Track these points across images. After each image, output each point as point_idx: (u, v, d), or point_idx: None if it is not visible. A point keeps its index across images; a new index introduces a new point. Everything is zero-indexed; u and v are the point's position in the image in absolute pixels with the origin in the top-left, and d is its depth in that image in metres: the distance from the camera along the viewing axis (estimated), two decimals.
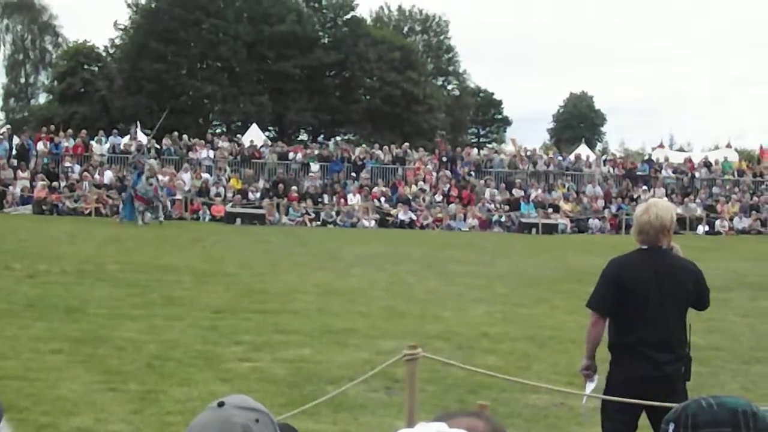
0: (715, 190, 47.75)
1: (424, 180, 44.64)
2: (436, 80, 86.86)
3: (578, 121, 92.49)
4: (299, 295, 17.18)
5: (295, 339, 12.71)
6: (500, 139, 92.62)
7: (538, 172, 47.46)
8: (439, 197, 43.51)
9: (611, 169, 49.06)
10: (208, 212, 38.97)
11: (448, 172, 45.47)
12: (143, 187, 33.55)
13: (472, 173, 46.08)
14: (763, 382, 11.18)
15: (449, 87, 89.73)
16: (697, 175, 48.99)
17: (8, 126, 56.66)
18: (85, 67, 71.30)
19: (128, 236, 27.80)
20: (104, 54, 74.02)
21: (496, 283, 20.27)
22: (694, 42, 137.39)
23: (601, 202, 44.83)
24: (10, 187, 38.48)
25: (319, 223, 39.67)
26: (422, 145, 51.14)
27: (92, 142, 43.83)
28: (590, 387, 6.92)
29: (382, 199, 42.52)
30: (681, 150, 72.72)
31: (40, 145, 42.03)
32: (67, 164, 41.06)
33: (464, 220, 41.34)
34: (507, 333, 13.80)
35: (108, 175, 40.77)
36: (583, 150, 54.53)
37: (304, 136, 75.51)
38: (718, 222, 43.70)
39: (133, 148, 40.45)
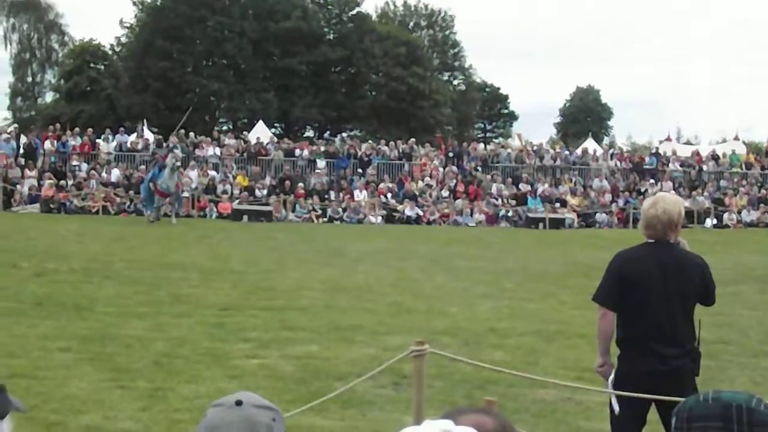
0: (722, 183, 47.66)
1: (430, 175, 44.61)
2: (442, 75, 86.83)
3: (585, 115, 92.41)
4: (306, 291, 17.19)
5: (303, 335, 12.72)
6: (507, 133, 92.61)
7: (545, 167, 47.43)
8: (445, 193, 43.49)
9: (618, 163, 49.01)
10: (214, 209, 38.98)
11: (454, 168, 45.46)
12: (164, 182, 33.49)
13: (479, 168, 46.05)
14: None
15: (455, 82, 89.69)
16: (704, 168, 48.91)
17: (15, 125, 56.63)
18: (92, 65, 71.39)
19: (135, 234, 27.83)
20: (110, 52, 74.09)
21: (503, 278, 20.27)
22: (702, 35, 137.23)
23: (608, 197, 44.78)
24: (18, 186, 38.54)
25: (325, 219, 39.68)
26: (428, 141, 51.08)
27: (99, 141, 43.85)
28: (610, 381, 6.88)
29: (389, 195, 42.52)
30: (688, 143, 72.60)
31: (47, 144, 42.07)
32: (75, 163, 41.09)
33: (471, 215, 41.30)
34: (514, 328, 13.80)
35: (115, 174, 40.80)
36: (590, 144, 54.45)
37: (310, 133, 75.53)
38: (726, 215, 43.65)
39: (151, 144, 40.62)
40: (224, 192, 40.14)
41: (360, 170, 44.38)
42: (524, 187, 44.32)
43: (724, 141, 61.04)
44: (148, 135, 47.17)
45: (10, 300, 14.69)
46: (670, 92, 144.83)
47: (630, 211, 41.55)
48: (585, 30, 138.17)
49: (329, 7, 77.21)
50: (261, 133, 50.10)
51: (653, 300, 6.40)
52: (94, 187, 39.01)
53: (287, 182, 41.31)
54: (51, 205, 37.24)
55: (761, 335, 13.82)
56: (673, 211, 6.46)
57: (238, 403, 2.42)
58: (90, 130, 45.24)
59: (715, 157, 49.86)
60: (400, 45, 75.10)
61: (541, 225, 40.01)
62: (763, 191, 46.71)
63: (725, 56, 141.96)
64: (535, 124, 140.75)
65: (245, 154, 44.41)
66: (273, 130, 61.64)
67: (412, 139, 49.31)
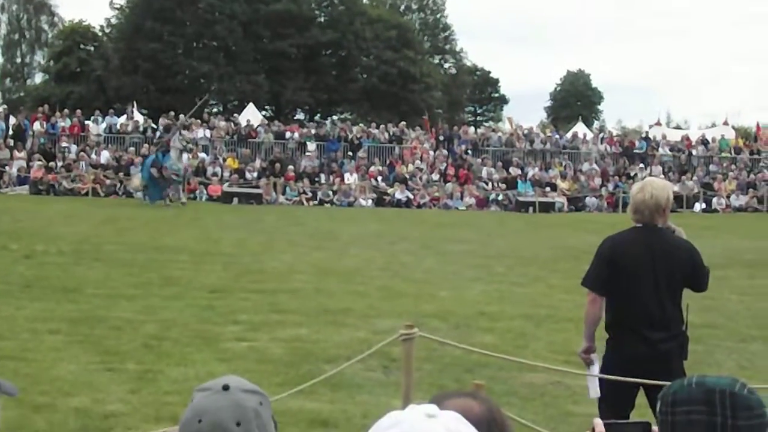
0: (712, 167, 47.72)
1: (420, 159, 44.62)
2: (433, 59, 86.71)
3: (575, 99, 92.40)
4: (296, 274, 17.20)
5: (293, 319, 12.73)
6: (497, 117, 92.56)
7: (535, 151, 47.46)
8: (435, 176, 43.51)
9: (608, 147, 49.04)
10: (204, 192, 38.94)
11: (444, 151, 45.48)
12: (174, 164, 33.40)
13: (469, 152, 46.04)
14: (760, 360, 11.22)
15: (446, 65, 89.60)
16: (694, 152, 49.02)
17: (4, 106, 56.44)
18: (81, 46, 71.08)
19: (125, 216, 27.80)
20: (100, 33, 73.79)
21: (493, 261, 20.29)
22: (692, 19, 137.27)
23: (598, 180, 44.84)
24: (7, 168, 38.45)
25: (316, 202, 39.68)
26: (419, 124, 51.07)
27: (88, 122, 43.76)
28: (594, 370, 6.92)
29: (379, 178, 42.52)
30: (678, 128, 72.77)
31: (36, 125, 41.99)
32: (64, 144, 41.00)
33: (461, 198, 41.33)
34: (504, 312, 13.83)
35: (105, 155, 40.73)
36: (580, 128, 54.46)
37: (300, 116, 75.39)
38: (715, 200, 43.78)
39: (160, 128, 40.65)
40: (214, 174, 40.10)
41: (350, 153, 44.35)
42: (514, 171, 44.36)
43: (714, 126, 61.16)
44: (138, 117, 47.07)
45: None
46: (660, 77, 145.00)
47: (619, 195, 41.59)
48: (576, 14, 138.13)
49: None
50: (251, 115, 50.03)
51: (641, 284, 6.43)
52: (84, 169, 38.95)
53: (277, 165, 41.26)
54: (40, 187, 37.17)
55: (749, 320, 13.86)
56: (660, 196, 6.47)
57: (225, 387, 2.41)
58: (79, 111, 45.14)
59: (704, 142, 49.95)
60: (390, 28, 74.97)
61: (531, 209, 40.06)
62: (752, 176, 46.83)
63: (715, 41, 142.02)
64: (525, 108, 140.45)
65: (235, 137, 44.36)
66: (263, 112, 61.51)
67: (403, 123, 49.28)
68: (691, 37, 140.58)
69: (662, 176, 40.90)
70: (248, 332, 11.74)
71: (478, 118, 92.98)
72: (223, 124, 45.82)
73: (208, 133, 43.98)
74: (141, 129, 44.01)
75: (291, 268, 18.08)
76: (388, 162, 44.16)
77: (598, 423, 2.60)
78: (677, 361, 6.47)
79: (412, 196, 40.76)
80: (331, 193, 40.29)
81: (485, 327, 12.64)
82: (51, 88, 69.14)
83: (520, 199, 41.33)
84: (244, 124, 45.95)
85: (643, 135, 52.79)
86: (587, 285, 6.72)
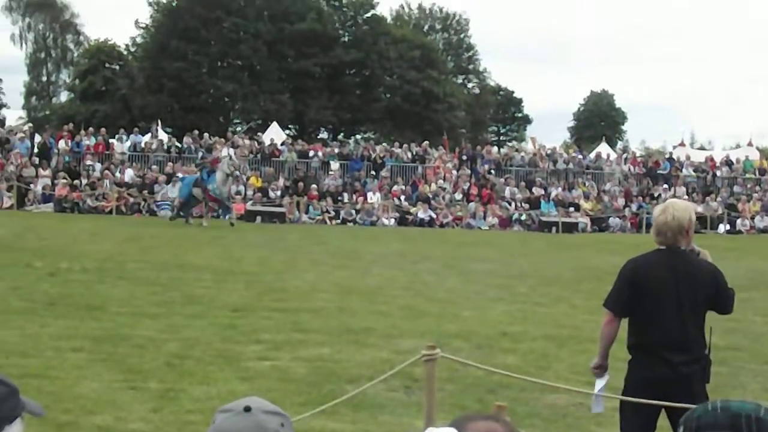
0: (736, 188, 47.58)
1: (444, 178, 44.63)
2: (456, 78, 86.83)
3: (599, 119, 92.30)
4: (319, 293, 17.19)
5: (315, 338, 12.72)
6: (520, 137, 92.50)
7: (559, 171, 47.39)
8: (459, 195, 43.51)
9: (632, 168, 48.93)
10: (228, 211, 38.99)
11: (468, 171, 45.46)
12: (218, 188, 33.43)
13: (492, 171, 46.04)
14: None
15: (469, 85, 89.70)
16: (718, 173, 48.87)
17: (30, 124, 56.79)
18: (107, 65, 71.55)
19: (148, 235, 27.88)
20: (125, 52, 74.29)
21: (515, 282, 20.24)
22: (716, 40, 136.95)
23: (621, 201, 44.73)
24: (32, 185, 38.66)
25: (338, 221, 39.72)
26: (442, 144, 51.09)
27: (113, 141, 43.99)
28: (600, 384, 6.92)
29: (402, 197, 42.54)
30: (702, 148, 72.61)
31: (61, 144, 42.22)
32: (89, 162, 41.23)
33: (484, 218, 41.30)
34: (526, 332, 13.78)
35: (129, 174, 40.92)
36: (603, 148, 54.43)
37: (324, 135, 75.59)
38: (739, 221, 43.58)
39: (165, 144, 40.75)
40: (237, 193, 40.18)
41: (373, 172, 44.42)
42: (537, 191, 44.31)
43: (738, 147, 61.02)
44: (163, 135, 47.30)
45: (23, 299, 14.72)
46: (684, 97, 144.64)
47: (643, 215, 41.49)
48: (599, 34, 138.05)
49: (344, 9, 77.26)
50: (275, 134, 50.17)
51: (664, 307, 6.39)
52: (108, 187, 39.11)
53: (300, 184, 41.37)
54: (65, 205, 37.36)
55: None
56: (683, 218, 6.44)
57: (247, 409, 2.42)
58: (104, 130, 45.44)
59: (728, 163, 49.80)
60: (414, 48, 75.15)
61: (554, 229, 39.99)
62: None
63: (740, 61, 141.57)
64: (549, 128, 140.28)
65: (259, 156, 44.47)
66: (287, 131, 61.75)
67: (426, 142, 49.31)
68: (715, 58, 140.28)
69: (686, 197, 40.87)
70: (270, 351, 11.73)
71: (502, 137, 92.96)
72: (246, 142, 45.94)
73: (231, 151, 44.05)
74: (165, 147, 44.21)
75: (313, 287, 18.08)
76: (411, 181, 44.20)
77: None
78: (699, 385, 6.44)
79: (434, 216, 40.75)
80: (354, 212, 40.33)
81: (507, 347, 12.60)
82: (76, 107, 69.56)
83: (543, 219, 41.25)
84: (267, 143, 46.05)
85: (667, 156, 52.65)
86: (607, 306, 6.71)
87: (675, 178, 47.61)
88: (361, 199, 41.55)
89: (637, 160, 51.49)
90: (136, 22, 74.46)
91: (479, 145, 55.01)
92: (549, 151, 50.26)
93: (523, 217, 42.03)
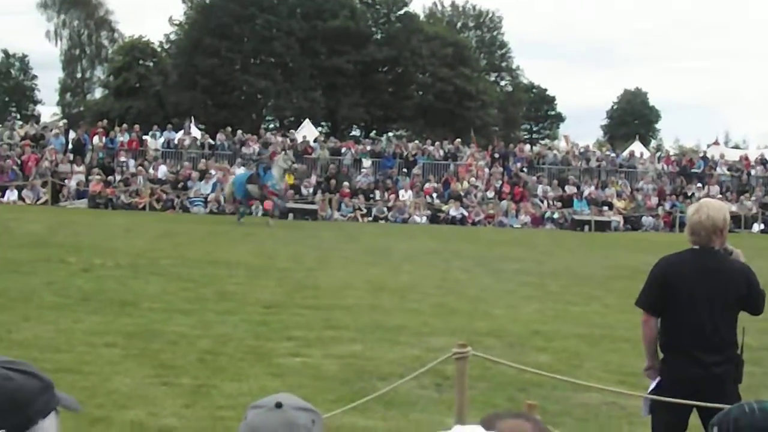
0: None
1: (476, 176, 44.53)
2: (489, 76, 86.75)
3: (632, 117, 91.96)
4: (351, 290, 17.20)
5: (347, 335, 12.73)
6: (553, 135, 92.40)
7: (591, 169, 47.21)
8: (491, 193, 43.42)
9: (665, 167, 48.68)
10: (260, 207, 39.11)
11: (500, 168, 45.34)
12: (277, 183, 33.49)
13: (525, 169, 45.92)
14: None
15: (502, 83, 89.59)
16: (752, 172, 48.49)
17: (65, 120, 57.20)
18: (141, 62, 71.96)
19: (181, 231, 28.01)
20: (159, 49, 74.70)
21: (547, 280, 20.18)
22: (750, 38, 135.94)
23: (654, 200, 44.51)
24: (66, 181, 38.90)
25: (370, 218, 39.76)
26: (470, 140, 51.01)
27: (146, 137, 44.20)
28: (653, 386, 6.88)
29: (434, 195, 42.51)
30: (736, 147, 72.11)
31: (95, 140, 42.48)
32: (122, 159, 41.43)
33: (516, 216, 41.23)
34: (558, 331, 13.73)
35: (162, 170, 41.09)
36: (636, 147, 54.18)
37: (356, 132, 75.68)
38: None
39: (256, 146, 40.75)
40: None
41: (405, 170, 44.41)
42: (570, 189, 44.15)
43: None
44: (196, 132, 47.48)
45: (57, 295, 14.81)
46: (719, 96, 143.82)
47: (676, 214, 41.26)
48: (633, 33, 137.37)
49: (377, 6, 77.32)
50: (307, 131, 50.28)
51: (695, 306, 6.36)
52: (141, 184, 39.30)
53: (333, 181, 41.41)
54: (98, 201, 37.57)
55: None
56: (717, 217, 6.39)
57: (278, 405, 2.43)
58: (138, 126, 45.63)
59: (763, 162, 49.42)
60: (447, 45, 75.12)
61: (586, 227, 39.87)
62: None
63: None
64: (581, 126, 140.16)
65: (291, 153, 44.51)
66: (319, 128, 61.87)
67: (458, 140, 49.25)
68: (750, 57, 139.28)
69: (720, 196, 40.62)
70: (302, 348, 11.75)
71: (534, 135, 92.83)
72: (279, 139, 46.02)
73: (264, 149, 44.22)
74: (198, 144, 44.38)
75: (345, 284, 18.09)
76: (443, 179, 44.15)
77: None
78: (731, 385, 6.40)
79: (466, 214, 40.70)
80: (385, 209, 40.34)
81: (539, 346, 12.57)
82: (110, 103, 69.99)
83: (576, 217, 41.13)
84: (300, 140, 46.12)
85: (701, 154, 52.34)
86: (640, 305, 6.69)
87: (709, 177, 47.29)
88: (393, 196, 41.57)
89: (670, 158, 51.24)
90: (170, 19, 74.98)
91: (512, 143, 54.93)
92: (582, 150, 50.09)
93: (556, 216, 41.90)
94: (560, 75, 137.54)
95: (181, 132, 46.20)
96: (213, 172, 40.42)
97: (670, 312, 6.48)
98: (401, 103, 74.67)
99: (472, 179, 44.19)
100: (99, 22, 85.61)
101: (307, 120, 56.76)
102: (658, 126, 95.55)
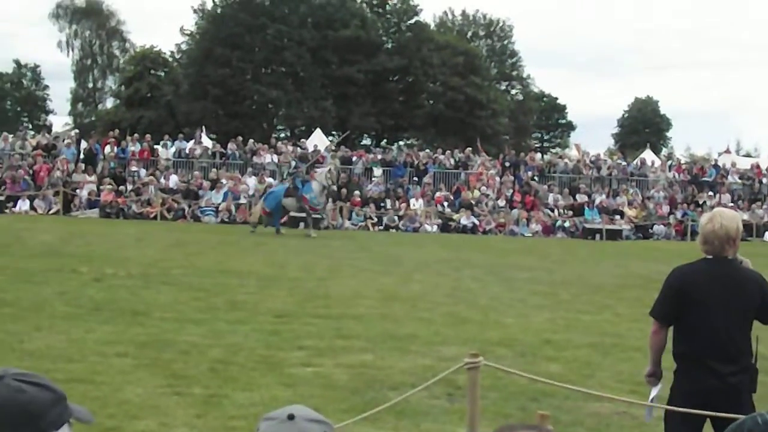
0: None
1: (486, 185, 44.50)
2: (500, 85, 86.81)
3: (643, 125, 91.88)
4: (362, 300, 17.19)
5: (358, 344, 12.72)
6: (564, 143, 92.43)
7: (602, 178, 47.14)
8: (502, 202, 43.38)
9: (676, 175, 48.60)
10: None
11: (511, 177, 45.30)
12: (317, 197, 33.50)
13: (536, 178, 45.88)
14: None
15: (513, 92, 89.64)
16: (764, 180, 48.38)
17: (76, 130, 57.34)
18: (152, 72, 72.18)
19: (193, 241, 28.05)
20: (170, 59, 74.92)
21: (559, 289, 20.15)
22: (761, 45, 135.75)
23: (666, 208, 44.43)
24: (78, 191, 38.99)
25: (381, 227, 39.75)
26: (486, 150, 51.03)
27: (158, 147, 44.29)
28: (653, 393, 6.89)
29: (445, 203, 42.49)
30: (748, 155, 71.93)
31: (107, 150, 42.58)
32: (134, 168, 41.51)
33: (527, 225, 41.18)
34: (570, 340, 13.71)
35: (173, 180, 41.15)
36: (647, 155, 54.10)
37: (367, 141, 75.73)
38: None
39: (292, 156, 40.70)
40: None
41: (416, 179, 44.41)
42: (581, 198, 44.08)
43: None
44: (207, 142, 47.55)
45: (69, 304, 14.84)
46: (730, 104, 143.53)
47: (688, 223, 41.19)
48: (644, 41, 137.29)
49: (388, 16, 77.43)
50: (318, 140, 50.29)
51: (711, 316, 6.35)
52: (153, 193, 39.36)
53: (344, 190, 41.40)
54: (109, 210, 37.64)
55: None
56: (730, 227, 6.39)
57: (291, 417, 2.44)
58: (149, 136, 45.70)
59: None
60: (458, 54, 75.20)
61: (597, 236, 39.83)
62: None
63: None
64: (592, 135, 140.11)
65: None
66: (330, 137, 61.92)
67: (469, 149, 49.22)
68: (760, 65, 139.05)
69: (731, 204, 40.56)
70: (313, 358, 11.75)
71: (545, 144, 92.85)
72: (290, 149, 46.05)
73: (275, 158, 44.24)
74: (210, 153, 44.46)
75: (356, 293, 18.09)
76: (453, 188, 44.13)
77: None
78: (747, 395, 6.39)
79: (477, 222, 40.67)
80: (396, 218, 40.34)
81: (551, 355, 12.55)
82: (122, 113, 70.22)
83: (587, 226, 41.09)
84: (311, 149, 46.13)
85: (712, 163, 52.25)
86: (654, 315, 6.69)
87: (720, 185, 47.19)
88: (403, 205, 41.57)
89: (681, 167, 51.15)
90: (181, 28, 75.18)
91: (522, 151, 54.92)
92: (593, 158, 50.04)
93: (567, 224, 41.85)
94: (571, 83, 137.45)
95: (192, 141, 46.25)
96: (224, 181, 40.47)
97: (685, 322, 6.47)
98: (412, 112, 74.71)
99: (483, 188, 44.16)
100: (110, 32, 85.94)
101: (318, 129, 56.82)
102: (668, 134, 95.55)
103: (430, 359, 11.88)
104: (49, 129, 51.19)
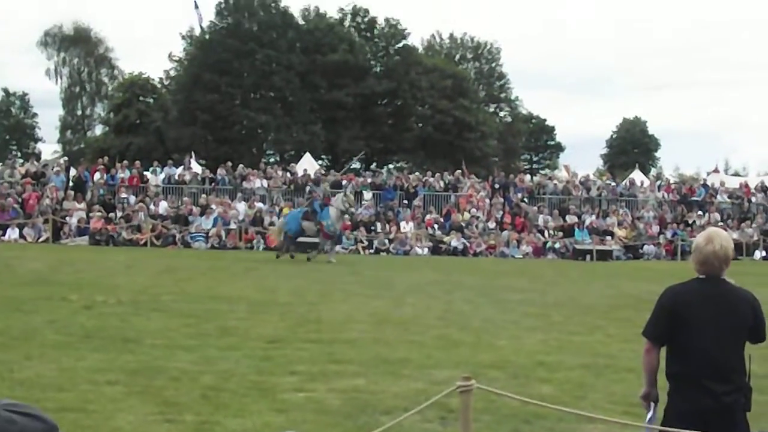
0: None
1: (476, 207, 44.56)
2: (488, 107, 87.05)
3: (632, 146, 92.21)
4: (353, 324, 17.15)
5: (350, 369, 12.68)
6: (553, 165, 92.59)
7: (592, 198, 47.24)
8: (492, 224, 43.44)
9: (666, 195, 48.70)
10: (262, 241, 39.15)
11: (501, 199, 45.36)
12: (333, 224, 33.33)
13: (525, 200, 45.96)
14: None
15: (501, 114, 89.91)
16: (753, 199, 48.50)
17: (65, 158, 57.33)
18: (140, 98, 72.23)
19: (183, 267, 27.99)
20: (159, 85, 75.04)
21: (551, 310, 20.13)
22: (749, 66, 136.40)
23: (656, 228, 44.49)
24: (67, 219, 38.93)
25: (372, 251, 39.73)
26: (475, 172, 51.10)
27: (147, 173, 44.28)
28: (649, 415, 6.86)
29: (435, 226, 42.52)
30: (736, 174, 72.16)
31: (96, 177, 42.57)
32: (123, 195, 41.50)
33: (518, 246, 41.22)
34: (562, 362, 13.69)
35: (163, 206, 41.14)
36: (636, 175, 54.28)
37: (356, 165, 75.83)
38: None
39: (303, 179, 40.56)
40: (271, 224, 40.23)
41: (406, 201, 44.45)
42: (571, 219, 44.16)
43: None
44: (196, 167, 47.57)
45: (59, 333, 14.78)
46: (718, 123, 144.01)
47: (678, 242, 41.29)
48: (631, 62, 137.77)
49: (376, 40, 77.62)
50: (308, 164, 50.34)
51: (705, 336, 6.35)
52: (143, 219, 39.33)
53: None
54: (99, 238, 37.58)
55: None
56: (729, 247, 6.47)
57: None
58: (138, 162, 45.74)
59: (763, 189, 49.46)
60: (446, 77, 75.42)
61: (588, 257, 39.86)
62: None
63: None
64: (581, 156, 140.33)
65: (292, 186, 44.57)
66: (320, 162, 61.99)
67: (458, 171, 49.29)
68: (748, 84, 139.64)
69: (721, 224, 40.67)
70: (306, 383, 11.71)
71: (534, 165, 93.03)
72: (279, 173, 46.09)
73: (265, 182, 44.28)
74: (199, 179, 44.46)
75: (348, 317, 18.04)
76: (444, 210, 44.18)
77: None
78: (741, 414, 6.38)
79: (468, 244, 40.71)
80: (387, 241, 40.34)
81: (543, 377, 12.52)
82: (111, 140, 70.27)
83: (578, 247, 41.15)
84: (300, 173, 46.17)
85: (701, 182, 52.39)
86: (647, 335, 6.69)
87: (709, 204, 47.31)
88: (394, 228, 41.59)
89: (671, 186, 51.26)
90: (170, 55, 75.38)
91: (512, 173, 55.01)
92: (582, 179, 50.16)
93: (557, 245, 41.90)
94: (559, 105, 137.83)
95: (182, 167, 46.29)
96: (214, 207, 40.45)
97: (678, 342, 6.46)
98: (401, 135, 74.84)
99: (473, 210, 44.22)
100: (99, 59, 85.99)
101: (308, 153, 56.88)
102: (657, 154, 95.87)
103: (422, 383, 11.84)
104: (38, 157, 51.24)
